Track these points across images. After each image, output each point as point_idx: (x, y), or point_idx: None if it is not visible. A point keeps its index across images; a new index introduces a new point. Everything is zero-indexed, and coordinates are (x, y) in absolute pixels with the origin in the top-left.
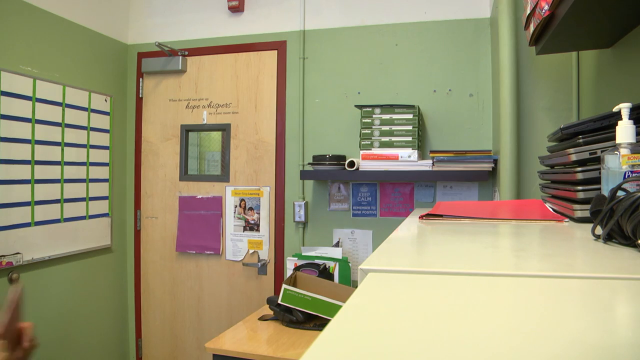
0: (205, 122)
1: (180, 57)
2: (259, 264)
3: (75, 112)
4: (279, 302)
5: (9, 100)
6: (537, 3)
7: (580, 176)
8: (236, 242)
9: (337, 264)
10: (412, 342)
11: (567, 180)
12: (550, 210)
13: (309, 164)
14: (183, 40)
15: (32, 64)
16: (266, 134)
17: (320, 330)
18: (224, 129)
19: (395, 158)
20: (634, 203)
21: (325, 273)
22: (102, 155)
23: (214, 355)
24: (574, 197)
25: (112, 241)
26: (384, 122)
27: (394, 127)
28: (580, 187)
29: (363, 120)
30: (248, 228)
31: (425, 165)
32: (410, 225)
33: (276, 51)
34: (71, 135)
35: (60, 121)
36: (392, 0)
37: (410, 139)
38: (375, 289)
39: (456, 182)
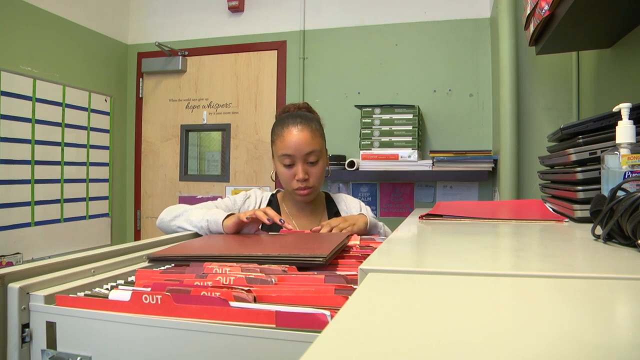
0: (205, 122)
1: (180, 57)
2: None
3: (75, 112)
4: None
5: (9, 100)
6: (537, 3)
7: (580, 176)
8: None
9: None
10: (412, 342)
11: (567, 180)
12: (550, 210)
13: None
14: (183, 40)
15: (32, 64)
16: (266, 134)
17: None
18: (224, 129)
19: (395, 158)
20: (634, 203)
21: None
22: (102, 155)
23: None
24: (574, 197)
25: (112, 241)
26: (384, 122)
27: (394, 127)
28: (580, 187)
29: (363, 120)
30: None
31: (425, 165)
32: (410, 225)
33: (276, 51)
34: (71, 135)
35: (60, 121)
36: (392, 0)
37: (410, 139)
38: (375, 289)
39: (456, 182)
